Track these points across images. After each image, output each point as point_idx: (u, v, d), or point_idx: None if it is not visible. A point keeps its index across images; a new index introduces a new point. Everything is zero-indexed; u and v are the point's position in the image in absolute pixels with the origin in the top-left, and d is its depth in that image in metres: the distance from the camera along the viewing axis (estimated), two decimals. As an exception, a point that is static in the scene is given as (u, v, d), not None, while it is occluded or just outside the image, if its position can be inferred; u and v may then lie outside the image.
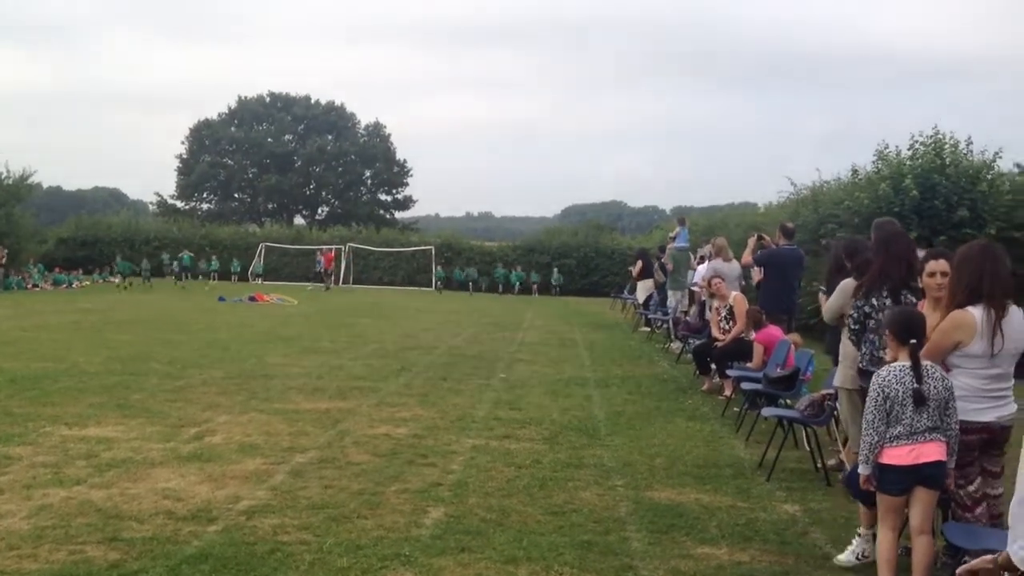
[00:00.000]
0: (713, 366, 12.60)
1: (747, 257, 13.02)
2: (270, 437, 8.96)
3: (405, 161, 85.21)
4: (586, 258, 50.13)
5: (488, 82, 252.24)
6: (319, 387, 12.27)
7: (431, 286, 45.04)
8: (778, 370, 9.82)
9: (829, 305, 7.66)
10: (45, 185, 60.09)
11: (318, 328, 21.50)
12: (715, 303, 13.05)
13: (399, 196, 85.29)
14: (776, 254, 12.43)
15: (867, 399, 5.20)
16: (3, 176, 43.93)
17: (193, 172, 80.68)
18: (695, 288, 16.65)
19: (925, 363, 5.07)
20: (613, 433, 9.66)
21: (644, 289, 22.98)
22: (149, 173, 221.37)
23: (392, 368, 14.36)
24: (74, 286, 40.52)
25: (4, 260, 37.45)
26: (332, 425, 9.65)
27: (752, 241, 13.10)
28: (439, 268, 47.85)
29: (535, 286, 45.44)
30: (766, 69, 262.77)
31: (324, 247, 48.26)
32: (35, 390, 11.31)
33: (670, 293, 19.73)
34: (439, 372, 14.08)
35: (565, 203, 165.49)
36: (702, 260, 17.38)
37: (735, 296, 12.53)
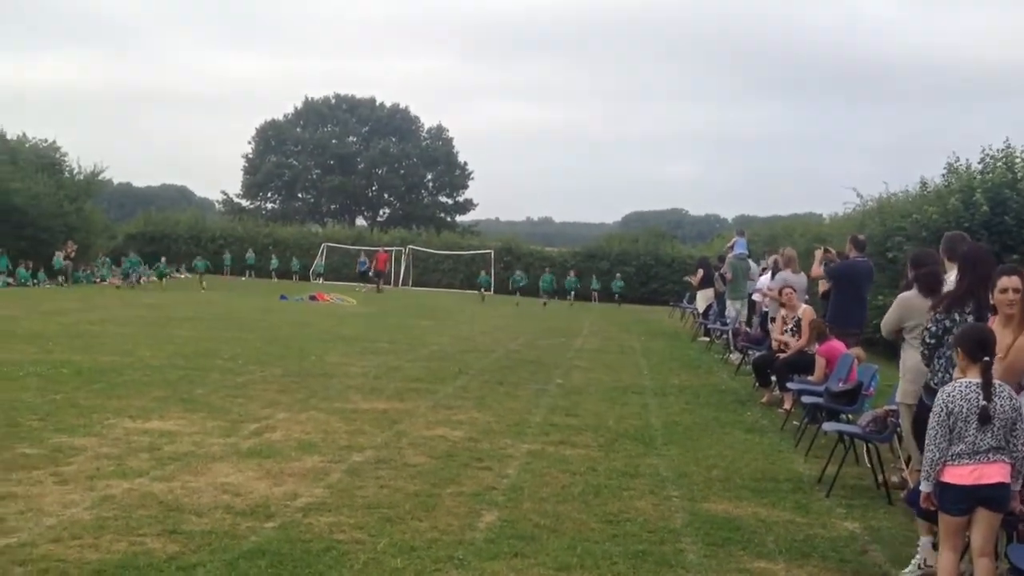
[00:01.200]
0: (773, 378, 12.44)
1: (817, 269, 12.73)
2: (328, 435, 9.04)
3: (466, 164, 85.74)
4: (645, 266, 49.88)
5: (550, 87, 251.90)
6: (377, 387, 12.36)
7: (489, 290, 44.96)
8: (840, 384, 9.66)
9: (888, 319, 7.51)
10: (116, 182, 61.26)
11: (377, 329, 21.68)
12: (781, 313, 12.86)
13: (460, 199, 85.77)
14: (850, 267, 12.16)
15: (931, 414, 5.09)
16: (75, 172, 45.03)
17: (259, 172, 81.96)
18: (757, 298, 16.44)
19: (996, 381, 4.96)
20: (669, 443, 9.59)
21: (704, 298, 22.79)
22: (216, 172, 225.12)
23: (449, 371, 14.42)
24: (142, 281, 41.30)
25: (73, 254, 38.33)
26: (389, 426, 9.71)
27: (819, 253, 12.86)
28: (483, 273, 46.55)
29: (595, 293, 44.93)
30: (829, 78, 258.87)
31: (366, 248, 48.62)
32: (101, 383, 11.55)
33: (729, 303, 19.53)
34: (496, 376, 14.10)
35: (626, 209, 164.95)
36: (764, 270, 17.19)
37: (804, 308, 12.35)
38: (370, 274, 44.44)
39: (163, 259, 42.14)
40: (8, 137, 43.83)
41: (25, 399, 10.11)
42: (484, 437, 9.34)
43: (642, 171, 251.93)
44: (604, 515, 6.72)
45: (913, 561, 5.79)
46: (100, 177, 46.60)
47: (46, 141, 45.03)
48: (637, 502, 7.16)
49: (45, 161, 43.17)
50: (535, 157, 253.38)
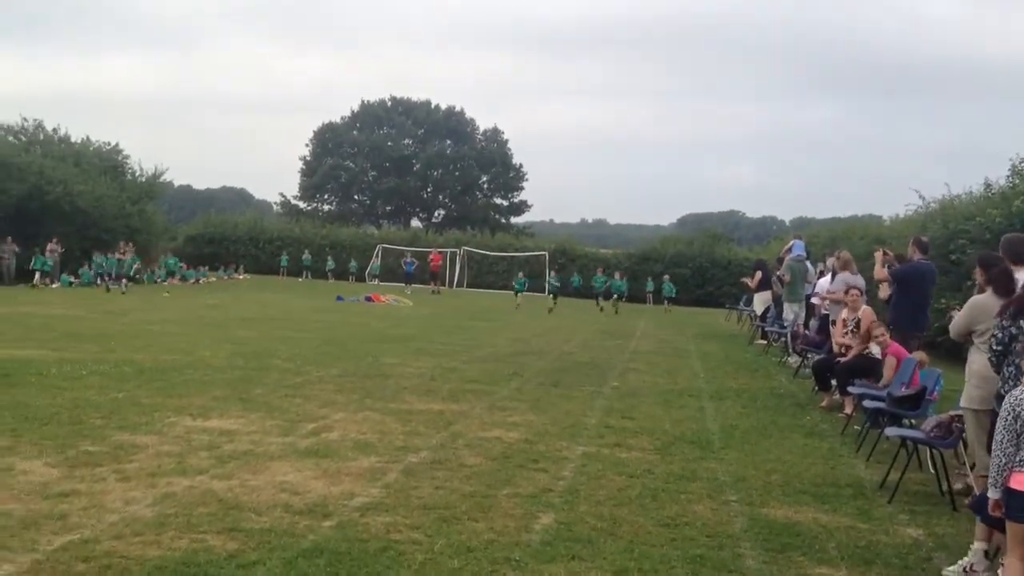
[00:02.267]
0: (833, 382, 12.25)
1: (881, 272, 12.49)
2: (384, 436, 9.08)
3: (521, 166, 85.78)
4: (701, 268, 49.51)
5: (606, 88, 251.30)
6: (432, 388, 12.39)
7: (544, 291, 44.79)
8: (903, 389, 9.48)
9: (958, 322, 7.36)
10: (176, 184, 62.34)
11: (432, 330, 21.75)
12: (842, 316, 12.65)
13: (514, 201, 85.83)
14: (915, 269, 11.93)
15: (998, 419, 4.97)
16: (137, 174, 45.86)
17: (316, 174, 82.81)
18: (816, 301, 16.19)
19: None
20: (727, 447, 9.48)
21: (762, 301, 22.54)
22: (274, 174, 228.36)
23: (504, 372, 14.42)
24: (200, 282, 41.95)
25: (132, 254, 38.99)
26: (445, 426, 9.73)
27: (880, 256, 12.64)
28: (520, 275, 44.45)
29: (649, 295, 44.60)
30: (890, 78, 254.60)
31: (412, 249, 48.83)
32: (162, 381, 11.73)
33: (787, 306, 19.28)
34: (551, 378, 14.07)
35: (681, 211, 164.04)
36: (822, 273, 16.94)
37: (864, 310, 12.15)
38: (409, 273, 44.60)
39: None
40: (72, 140, 44.81)
41: (88, 397, 10.30)
42: (539, 439, 9.31)
43: (698, 173, 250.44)
44: (661, 519, 6.65)
45: (960, 562, 5.66)
46: (161, 179, 47.44)
47: (109, 144, 45.97)
48: (695, 506, 7.08)
49: (108, 164, 44.03)
50: (590, 158, 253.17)
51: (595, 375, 14.81)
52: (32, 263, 34.49)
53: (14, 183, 36.28)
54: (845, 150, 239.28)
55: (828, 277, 15.86)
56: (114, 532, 5.67)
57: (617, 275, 42.73)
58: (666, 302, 40.32)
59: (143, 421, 9.16)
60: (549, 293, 41.38)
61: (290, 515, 6.25)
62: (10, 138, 42.53)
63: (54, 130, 44.78)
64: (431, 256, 46.96)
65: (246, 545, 5.58)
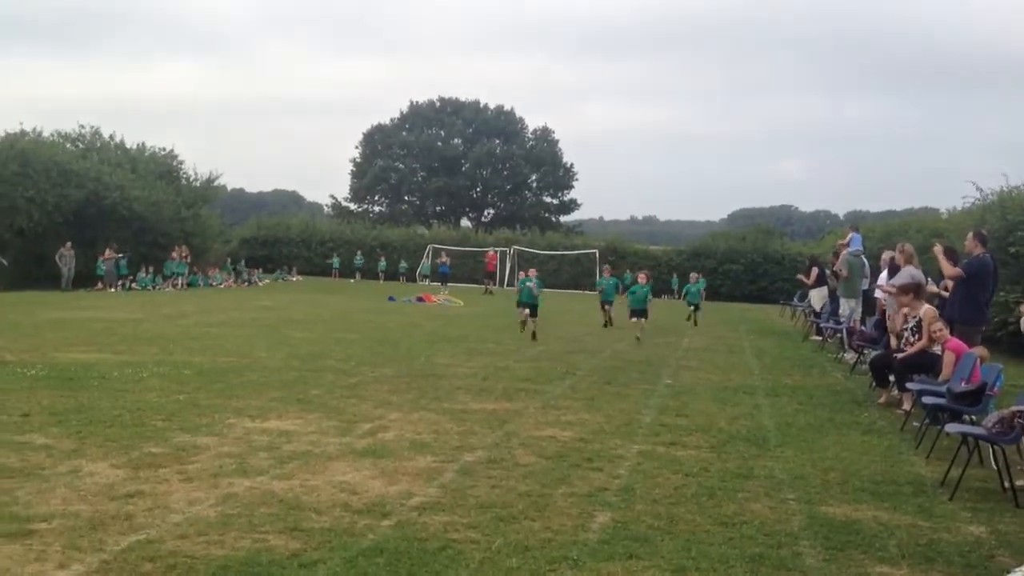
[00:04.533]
0: (891, 378, 12.08)
1: (954, 269, 12.17)
2: (439, 436, 9.14)
3: (571, 165, 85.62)
4: (753, 264, 49.13)
5: (656, 85, 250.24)
6: (486, 388, 12.44)
7: (595, 290, 44.69)
8: (963, 385, 9.33)
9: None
10: (229, 187, 63.23)
11: (483, 329, 21.83)
12: (902, 311, 12.46)
13: (564, 199, 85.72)
14: (981, 263, 11.71)
15: None
16: (191, 179, 46.57)
17: (366, 175, 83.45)
18: (879, 295, 15.95)
19: None
20: (783, 444, 9.41)
21: (820, 297, 22.30)
22: (325, 177, 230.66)
23: (557, 371, 14.43)
24: (259, 284, 42.49)
25: (188, 259, 39.63)
26: (499, 426, 9.77)
27: (940, 250, 12.40)
28: (605, 275, 45.13)
29: (703, 293, 44.09)
30: (945, 71, 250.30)
31: (446, 247, 48.96)
32: (221, 383, 11.91)
33: (843, 301, 19.05)
34: (604, 376, 14.05)
35: (732, 207, 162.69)
36: (882, 267, 16.70)
37: (926, 309, 11.96)
38: (445, 274, 44.65)
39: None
40: (128, 146, 45.60)
41: (150, 400, 10.51)
42: (594, 438, 9.32)
43: (749, 168, 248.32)
44: (718, 517, 6.63)
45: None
46: (215, 183, 48.12)
47: (164, 149, 46.72)
48: (752, 504, 7.04)
49: (163, 169, 44.78)
50: (640, 155, 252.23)
51: (648, 373, 14.77)
52: (96, 268, 35.27)
53: (73, 189, 37.04)
54: (899, 143, 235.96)
55: (885, 271, 15.64)
56: (178, 532, 5.79)
57: (692, 277, 29.70)
58: (693, 311, 27.37)
59: (204, 423, 9.32)
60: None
61: (349, 515, 6.33)
62: (68, 145, 43.38)
63: (110, 136, 45.62)
64: (487, 256, 47.07)
65: (307, 545, 5.66)
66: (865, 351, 15.10)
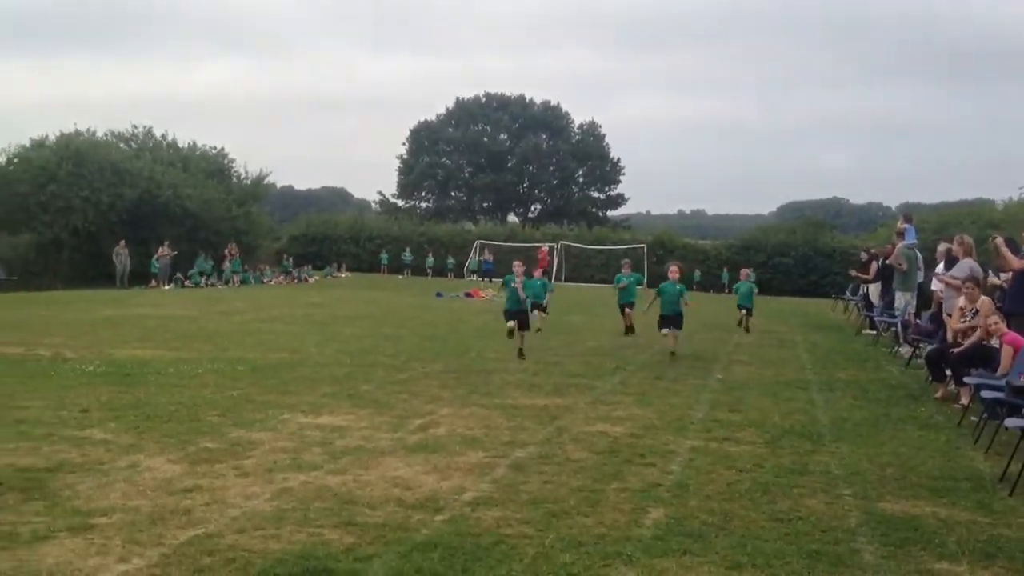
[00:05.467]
0: (948, 372, 11.88)
1: (1020, 261, 11.87)
2: (490, 431, 9.15)
3: (618, 160, 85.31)
4: (804, 257, 48.61)
5: (702, 77, 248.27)
6: (536, 383, 12.44)
7: (643, 284, 44.54)
8: (1022, 378, 9.13)
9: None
10: (278, 185, 63.90)
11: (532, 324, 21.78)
12: (959, 304, 12.23)
13: (611, 194, 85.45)
14: None
15: None
16: (242, 177, 47.14)
17: (413, 172, 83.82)
18: (936, 287, 15.65)
19: None
20: (839, 440, 9.29)
21: (878, 291, 21.99)
22: (372, 173, 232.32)
23: (607, 366, 14.39)
24: (309, 281, 42.90)
25: (237, 256, 40.13)
26: (550, 421, 9.76)
27: (1001, 242, 12.14)
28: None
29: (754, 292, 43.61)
30: (997, 59, 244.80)
31: (489, 242, 48.98)
32: (274, 379, 12.04)
33: (898, 294, 18.76)
34: (654, 371, 13.98)
35: (781, 200, 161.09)
36: (939, 259, 16.41)
37: (983, 301, 11.75)
38: (488, 270, 44.67)
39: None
40: (180, 145, 46.27)
41: (205, 395, 10.65)
42: (646, 433, 9.27)
43: (798, 160, 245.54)
44: (774, 513, 6.56)
45: None
46: (265, 181, 48.66)
47: (215, 148, 47.36)
48: (808, 500, 6.96)
49: (214, 167, 45.40)
50: (687, 149, 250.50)
51: (699, 368, 14.67)
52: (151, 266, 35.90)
53: (127, 188, 37.69)
54: (952, 132, 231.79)
55: (942, 264, 15.37)
56: (236, 526, 5.85)
57: (743, 274, 23.00)
58: (744, 315, 21.09)
59: (258, 418, 9.43)
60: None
61: (403, 509, 6.36)
62: (121, 145, 44.12)
63: (163, 136, 46.36)
64: (539, 252, 47.06)
65: (362, 539, 5.70)
66: (921, 345, 14.86)
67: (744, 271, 23.32)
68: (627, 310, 19.70)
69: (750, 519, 6.40)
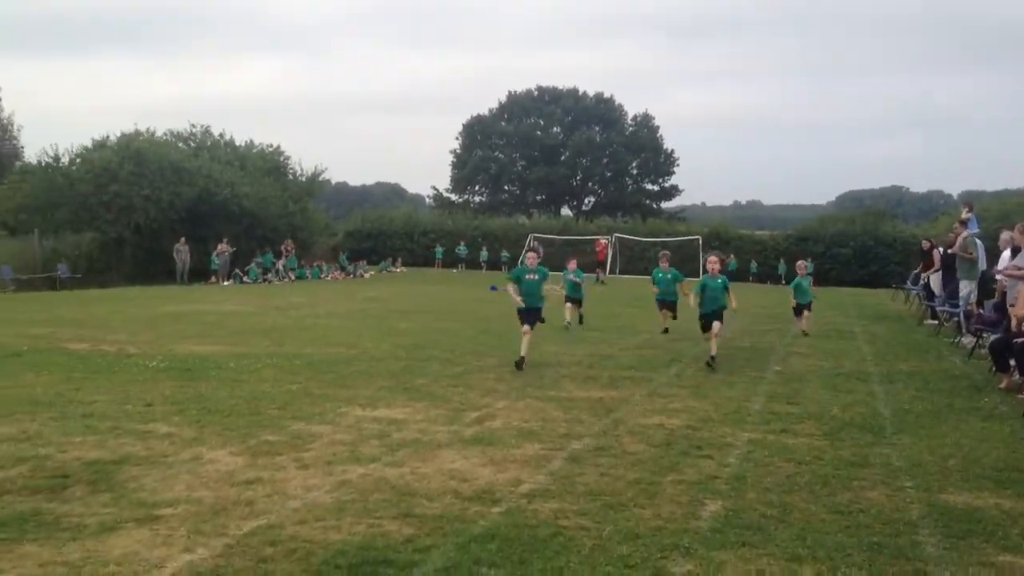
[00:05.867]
0: (1013, 362, 11.64)
1: None
2: (546, 423, 9.17)
3: (672, 151, 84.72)
4: (864, 247, 47.90)
5: (758, 67, 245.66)
6: (591, 376, 12.42)
7: (698, 276, 44.23)
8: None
9: None
10: (333, 181, 64.55)
11: (586, 317, 21.75)
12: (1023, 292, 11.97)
13: (665, 185, 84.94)
14: None
15: None
16: (297, 174, 47.65)
17: (466, 166, 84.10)
18: (999, 278, 15.34)
19: None
20: (900, 431, 9.15)
21: (939, 280, 21.61)
22: (425, 168, 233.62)
23: (663, 359, 14.32)
24: (365, 276, 43.28)
25: (293, 252, 40.62)
26: (605, 414, 9.75)
27: None
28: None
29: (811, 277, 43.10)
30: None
31: (542, 235, 48.92)
32: (331, 373, 12.17)
33: (963, 283, 18.40)
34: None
35: (840, 189, 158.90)
36: (1000, 249, 16.07)
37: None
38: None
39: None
40: (237, 144, 46.90)
41: (264, 389, 10.80)
42: (702, 425, 9.22)
43: (856, 149, 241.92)
44: (834, 506, 6.49)
45: None
46: (320, 178, 49.15)
47: (271, 146, 47.91)
48: (869, 493, 6.87)
49: (271, 165, 45.95)
50: (743, 139, 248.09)
51: (756, 360, 14.54)
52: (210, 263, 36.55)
53: (186, 186, 38.31)
54: (1013, 120, 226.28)
55: (1008, 252, 15.04)
56: (297, 517, 5.94)
57: (800, 268, 20.84)
58: (802, 314, 19.62)
59: (316, 411, 9.54)
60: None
61: (460, 501, 6.40)
62: (180, 144, 44.84)
63: (220, 135, 47.01)
64: (596, 245, 46.94)
65: (420, 530, 5.75)
66: (984, 334, 14.58)
67: (801, 264, 21.10)
68: (664, 309, 18.40)
69: (810, 512, 6.34)
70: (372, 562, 5.16)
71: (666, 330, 18.12)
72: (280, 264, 39.32)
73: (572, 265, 19.80)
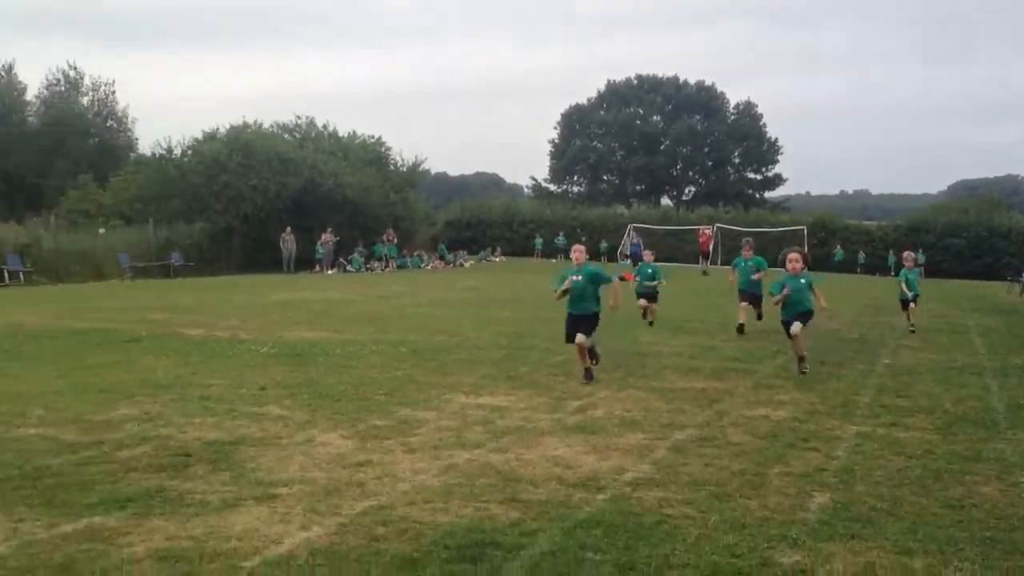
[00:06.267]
0: None
1: None
2: (648, 413, 9.18)
3: (776, 139, 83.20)
4: (978, 238, 46.35)
5: (864, 52, 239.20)
6: (693, 367, 12.36)
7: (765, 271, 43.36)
8: None
9: None
10: (433, 172, 65.20)
11: (687, 309, 21.63)
12: None
13: (768, 174, 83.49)
14: None
15: None
16: (398, 165, 48.31)
17: (564, 156, 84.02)
18: None
19: None
20: (1015, 426, 8.90)
21: None
22: (524, 159, 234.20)
23: (767, 350, 14.16)
24: (465, 265, 43.71)
25: (396, 241, 41.24)
26: (709, 405, 9.70)
27: None
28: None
29: (922, 268, 41.84)
30: None
31: (637, 225, 48.43)
32: (435, 361, 12.38)
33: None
34: (816, 356, 13.58)
35: (951, 178, 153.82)
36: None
37: None
38: (636, 254, 44.18)
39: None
40: (340, 135, 47.76)
41: (371, 376, 11.06)
42: (809, 418, 9.11)
43: (970, 136, 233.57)
44: (946, 500, 6.36)
45: None
46: (420, 168, 49.72)
47: (372, 137, 48.64)
48: (982, 488, 6.71)
49: (372, 155, 46.67)
50: (848, 127, 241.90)
51: (864, 352, 14.25)
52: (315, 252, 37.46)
53: (291, 177, 39.20)
54: None
55: None
56: (407, 499, 6.10)
57: (907, 259, 19.07)
58: (908, 308, 17.96)
59: (422, 398, 9.74)
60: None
61: (564, 488, 6.48)
62: (286, 136, 45.88)
63: (324, 126, 47.91)
64: (700, 235, 46.47)
65: (526, 515, 5.85)
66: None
67: (909, 255, 19.37)
68: (744, 302, 16.56)
69: (921, 505, 6.23)
70: (480, 544, 5.27)
71: (742, 327, 16.09)
72: (385, 251, 40.10)
73: (648, 257, 18.84)
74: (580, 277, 11.33)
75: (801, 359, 11.81)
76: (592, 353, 11.32)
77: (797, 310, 11.90)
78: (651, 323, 17.08)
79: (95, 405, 9.04)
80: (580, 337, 11.01)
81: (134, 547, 5.16)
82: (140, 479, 6.51)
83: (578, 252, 11.73)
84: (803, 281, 12.04)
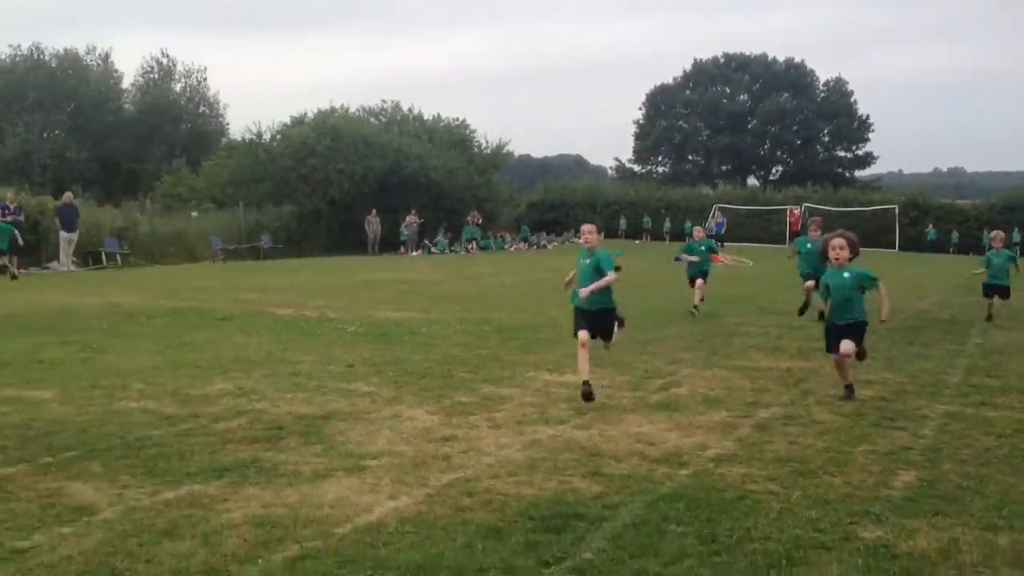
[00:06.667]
0: None
1: None
2: (732, 392, 9.18)
3: (867, 117, 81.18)
4: (1079, 216, 44.77)
5: (957, 27, 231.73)
6: (779, 346, 12.28)
7: (895, 247, 42.42)
8: None
9: None
10: (516, 154, 65.39)
11: (772, 289, 21.39)
12: None
13: (859, 153, 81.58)
14: None
15: None
16: (482, 147, 48.60)
17: (649, 136, 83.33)
18: None
19: None
20: (1113, 408, 8.66)
21: None
22: (608, 140, 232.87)
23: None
24: (548, 247, 43.85)
25: (480, 222, 41.57)
26: (794, 384, 9.66)
27: None
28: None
29: (1017, 248, 40.64)
30: None
31: (723, 206, 47.76)
32: (518, 339, 12.53)
33: None
34: (905, 336, 13.44)
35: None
36: None
37: None
38: (719, 233, 43.79)
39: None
40: (425, 118, 48.24)
41: (455, 354, 11.26)
42: (896, 397, 9.01)
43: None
44: (1036, 480, 6.27)
45: None
46: (504, 150, 49.96)
47: (457, 120, 49.01)
48: (1075, 468, 6.59)
49: (456, 138, 47.04)
50: (944, 103, 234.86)
51: (955, 332, 13.97)
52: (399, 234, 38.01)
53: (377, 160, 39.79)
54: None
55: None
56: (491, 472, 6.25)
57: (996, 239, 16.74)
58: (992, 299, 15.74)
59: (506, 375, 9.89)
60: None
61: (647, 463, 6.55)
62: (372, 119, 46.52)
63: (409, 109, 48.45)
64: (790, 215, 45.91)
65: (608, 488, 5.94)
66: None
67: (997, 234, 16.92)
68: (808, 282, 14.96)
69: (1008, 484, 6.16)
70: (563, 515, 5.38)
71: (803, 310, 15.33)
72: (472, 232, 40.61)
73: (698, 234, 17.34)
74: (589, 261, 8.82)
75: (848, 388, 8.96)
76: (618, 319, 9.12)
77: (845, 319, 8.82)
78: (695, 306, 15.52)
79: (192, 380, 9.40)
80: (584, 335, 8.64)
81: (232, 513, 5.40)
82: (236, 450, 6.78)
83: (589, 232, 9.15)
84: (847, 277, 8.81)
